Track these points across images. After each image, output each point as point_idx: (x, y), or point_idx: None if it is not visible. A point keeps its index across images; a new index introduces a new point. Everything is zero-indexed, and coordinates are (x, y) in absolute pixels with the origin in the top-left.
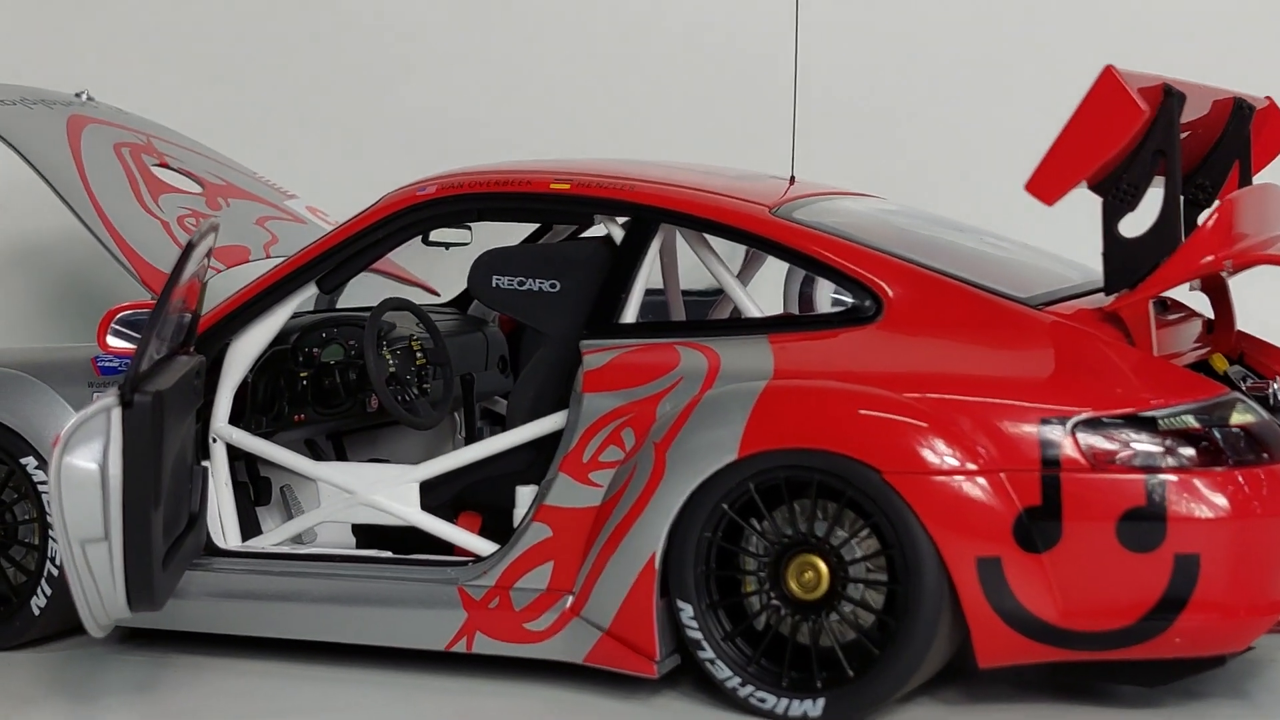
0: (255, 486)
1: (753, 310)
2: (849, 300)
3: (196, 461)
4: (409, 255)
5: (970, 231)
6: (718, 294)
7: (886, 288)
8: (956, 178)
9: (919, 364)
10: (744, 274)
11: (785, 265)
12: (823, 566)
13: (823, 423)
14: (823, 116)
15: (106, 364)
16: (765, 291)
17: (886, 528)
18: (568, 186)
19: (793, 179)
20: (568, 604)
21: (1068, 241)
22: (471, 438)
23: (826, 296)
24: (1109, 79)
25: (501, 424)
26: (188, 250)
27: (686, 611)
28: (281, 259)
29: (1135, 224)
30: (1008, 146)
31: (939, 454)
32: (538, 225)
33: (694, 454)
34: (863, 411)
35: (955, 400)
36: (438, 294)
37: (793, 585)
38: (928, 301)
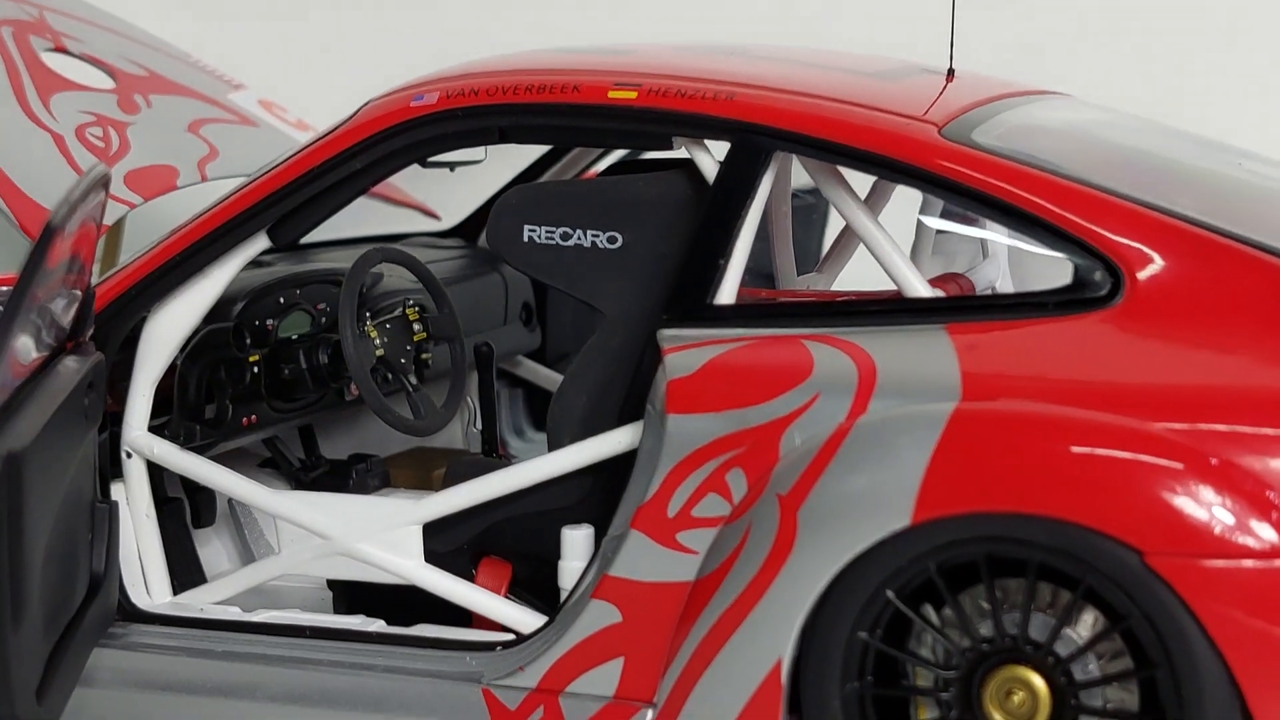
0: (193, 502)
1: (917, 285)
2: (1070, 266)
3: (100, 495)
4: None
5: (1229, 152)
6: (807, 195)
7: (1131, 252)
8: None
9: (1189, 374)
10: None
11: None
12: (1041, 686)
13: (1048, 473)
14: None
15: None
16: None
17: (1148, 636)
18: (634, 94)
19: (951, 73)
20: None
21: None
22: (489, 426)
23: (983, 252)
24: None
25: (524, 388)
26: (48, 235)
27: None
28: (227, 184)
29: None
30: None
31: (1235, 527)
32: (572, 149)
33: (842, 515)
34: (1112, 454)
35: (1255, 437)
36: (438, 217)
37: (994, 713)
38: (1195, 274)
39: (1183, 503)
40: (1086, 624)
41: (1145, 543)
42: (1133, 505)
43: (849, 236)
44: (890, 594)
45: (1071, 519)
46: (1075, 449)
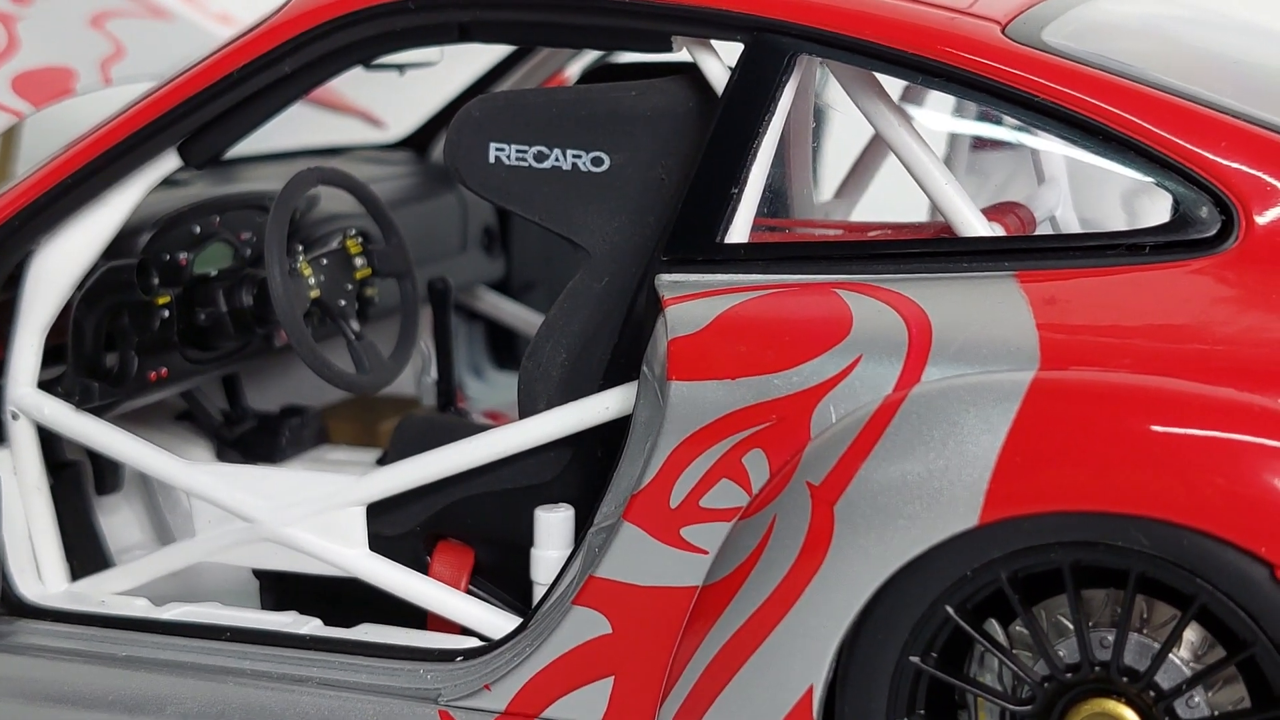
0: (96, 464)
1: (975, 222)
2: (1170, 200)
3: None
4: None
5: None
6: None
7: (1248, 183)
8: None
9: None
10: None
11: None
12: None
13: (1154, 463)
14: None
15: None
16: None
17: (1276, 670)
18: None
19: None
20: None
21: None
22: (446, 376)
23: (1037, 173)
24: None
25: (484, 323)
26: None
27: None
28: (135, 90)
29: None
30: None
31: None
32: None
33: (890, 511)
34: (1237, 440)
35: None
36: (384, 124)
37: None
38: None
39: None
40: (1190, 647)
41: (1279, 554)
42: (1263, 506)
43: (873, 158)
44: (950, 610)
45: (1184, 522)
46: (1189, 433)
